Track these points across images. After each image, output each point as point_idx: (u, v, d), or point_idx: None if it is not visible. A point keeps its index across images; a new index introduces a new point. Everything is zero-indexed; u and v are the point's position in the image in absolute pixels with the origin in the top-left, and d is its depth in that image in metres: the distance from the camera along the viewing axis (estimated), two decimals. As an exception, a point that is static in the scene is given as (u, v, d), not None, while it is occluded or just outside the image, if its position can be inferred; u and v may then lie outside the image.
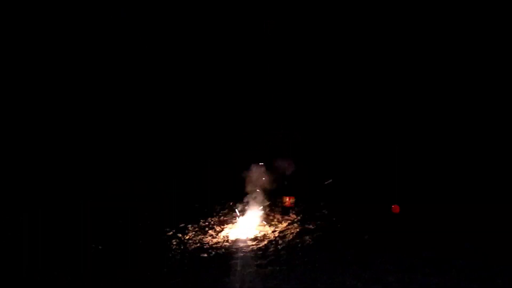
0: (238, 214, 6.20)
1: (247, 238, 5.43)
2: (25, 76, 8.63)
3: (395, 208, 6.03)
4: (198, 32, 9.38)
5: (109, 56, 9.17)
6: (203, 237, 5.54)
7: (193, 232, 5.72)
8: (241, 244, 5.23)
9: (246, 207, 6.31)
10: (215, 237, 5.53)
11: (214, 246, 5.24)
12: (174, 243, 5.37)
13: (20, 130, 8.28)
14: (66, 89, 8.83)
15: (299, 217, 6.14)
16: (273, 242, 5.28)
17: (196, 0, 9.45)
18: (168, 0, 9.47)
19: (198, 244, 5.31)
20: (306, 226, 5.77)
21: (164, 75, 9.42)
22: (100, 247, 5.28)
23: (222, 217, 6.24)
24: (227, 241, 5.38)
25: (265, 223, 5.98)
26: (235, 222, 5.99)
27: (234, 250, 5.07)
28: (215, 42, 9.44)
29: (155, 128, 9.03)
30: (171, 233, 5.72)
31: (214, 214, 6.35)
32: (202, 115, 9.05)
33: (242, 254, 4.92)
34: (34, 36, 8.69)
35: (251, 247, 5.15)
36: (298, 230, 5.63)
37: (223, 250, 5.08)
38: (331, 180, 7.65)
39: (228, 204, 6.71)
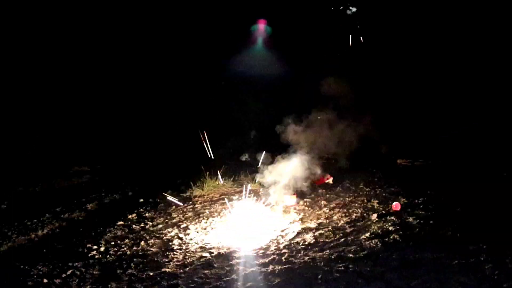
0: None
1: (248, 237, 5.43)
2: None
3: (396, 206, 6.04)
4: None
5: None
6: (204, 238, 5.54)
7: (195, 233, 5.72)
8: (243, 244, 5.22)
9: (247, 206, 6.33)
10: (217, 237, 5.52)
11: (215, 246, 5.24)
12: (176, 243, 5.38)
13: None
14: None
15: (300, 216, 6.14)
16: (274, 241, 5.29)
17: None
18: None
19: (200, 244, 5.31)
20: (307, 224, 5.78)
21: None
22: (101, 250, 5.29)
23: (224, 218, 6.24)
24: (229, 241, 5.37)
25: (266, 222, 5.98)
26: (237, 223, 5.97)
27: (236, 249, 5.06)
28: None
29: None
30: (173, 233, 5.72)
31: (216, 214, 6.36)
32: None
33: (243, 253, 4.92)
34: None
35: (252, 246, 5.14)
36: (299, 228, 5.63)
37: (224, 249, 5.08)
38: (332, 178, 7.68)
39: (231, 204, 6.72)
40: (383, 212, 5.97)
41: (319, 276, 4.18)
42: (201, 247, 5.22)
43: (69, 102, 9.39)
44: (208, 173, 7.85)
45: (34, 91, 9.18)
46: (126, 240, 5.58)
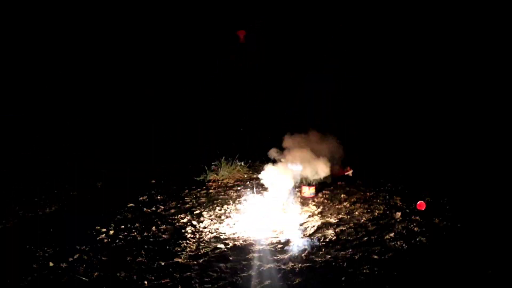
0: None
1: (265, 229, 5.14)
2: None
3: (421, 205, 5.71)
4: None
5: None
6: (219, 227, 5.26)
7: (209, 220, 5.45)
8: (260, 236, 4.94)
9: (265, 198, 6.04)
10: (232, 227, 5.25)
11: (231, 236, 4.96)
12: (189, 231, 5.11)
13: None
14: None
15: (319, 209, 5.85)
16: (293, 235, 4.99)
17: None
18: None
19: (214, 234, 5.04)
20: (327, 219, 5.48)
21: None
22: (110, 234, 5.06)
23: (239, 206, 5.95)
24: (245, 231, 5.10)
25: (283, 214, 5.69)
26: (252, 212, 5.69)
27: (252, 242, 4.79)
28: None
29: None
30: (185, 220, 5.46)
31: (231, 202, 6.08)
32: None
33: (260, 247, 4.65)
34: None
35: (270, 239, 4.86)
36: (318, 223, 5.34)
37: (240, 241, 4.80)
38: (352, 171, 7.35)
39: (246, 192, 6.44)
40: (407, 210, 5.65)
41: (343, 278, 3.91)
42: (215, 237, 4.95)
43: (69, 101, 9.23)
44: (223, 158, 7.54)
45: (34, 91, 9.02)
46: (137, 224, 5.34)
